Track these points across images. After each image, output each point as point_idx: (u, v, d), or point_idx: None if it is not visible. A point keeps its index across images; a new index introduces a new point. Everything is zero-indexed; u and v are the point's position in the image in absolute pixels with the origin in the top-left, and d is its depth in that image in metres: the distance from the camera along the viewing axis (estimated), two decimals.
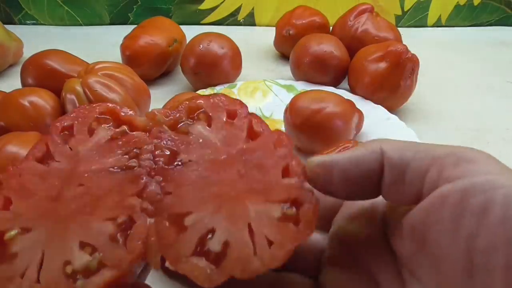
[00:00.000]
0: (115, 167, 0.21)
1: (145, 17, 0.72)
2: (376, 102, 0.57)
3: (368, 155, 0.20)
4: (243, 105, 0.24)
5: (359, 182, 0.20)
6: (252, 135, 0.23)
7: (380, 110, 0.56)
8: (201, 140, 0.22)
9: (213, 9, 0.86)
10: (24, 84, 0.55)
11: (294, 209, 0.20)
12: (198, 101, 0.24)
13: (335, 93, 0.54)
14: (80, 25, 0.85)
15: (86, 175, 0.21)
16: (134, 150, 0.22)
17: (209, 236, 0.20)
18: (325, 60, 0.61)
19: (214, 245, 0.19)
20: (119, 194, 0.20)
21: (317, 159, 0.21)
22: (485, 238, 0.16)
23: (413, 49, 0.57)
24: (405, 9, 0.88)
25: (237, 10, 0.87)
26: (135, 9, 0.85)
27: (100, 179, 0.21)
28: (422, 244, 0.18)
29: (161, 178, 0.21)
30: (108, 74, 0.49)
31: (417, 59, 0.57)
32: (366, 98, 0.58)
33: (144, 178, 0.21)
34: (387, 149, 0.19)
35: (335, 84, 0.63)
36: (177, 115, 0.23)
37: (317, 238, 0.25)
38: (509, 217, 0.15)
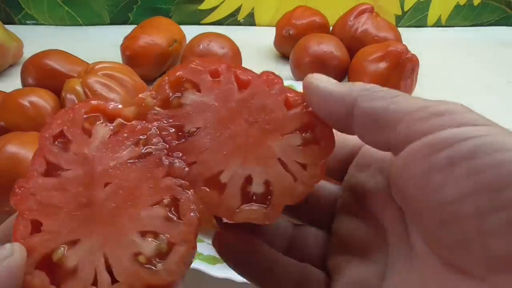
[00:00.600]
0: (133, 159, 0.22)
1: (145, 17, 0.72)
2: None
3: (340, 97, 0.20)
4: (221, 61, 0.24)
5: (333, 115, 0.21)
6: (242, 85, 0.23)
7: None
8: (198, 106, 0.23)
9: (213, 9, 0.86)
10: (24, 84, 0.55)
11: (309, 133, 0.22)
12: (178, 73, 0.23)
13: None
14: (80, 25, 0.85)
15: (108, 173, 0.21)
16: (141, 137, 0.22)
17: (250, 182, 0.21)
18: (325, 60, 0.61)
19: (257, 188, 0.21)
20: (151, 180, 0.21)
21: (306, 82, 0.22)
22: (453, 190, 0.16)
23: (413, 49, 0.57)
24: (405, 9, 0.88)
25: (237, 10, 0.87)
26: (135, 9, 0.85)
27: (125, 172, 0.21)
28: (403, 198, 0.19)
29: (180, 154, 0.22)
30: (108, 74, 0.49)
31: (417, 59, 0.57)
32: None
33: (164, 158, 0.22)
34: (361, 99, 0.20)
35: None
36: (164, 93, 0.23)
37: (331, 188, 0.25)
38: (475, 167, 0.16)
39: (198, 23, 0.87)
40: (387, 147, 0.19)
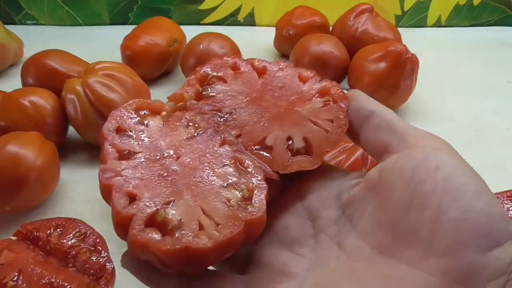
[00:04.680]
0: (190, 138, 0.26)
1: (145, 17, 0.72)
2: None
3: (367, 102, 0.26)
4: (236, 56, 0.29)
5: (359, 111, 0.26)
6: (259, 72, 0.29)
7: None
8: (228, 93, 0.27)
9: (213, 9, 0.86)
10: (24, 84, 0.55)
11: (327, 96, 0.27)
12: (203, 71, 0.28)
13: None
14: (80, 25, 0.85)
15: (175, 149, 0.25)
16: (190, 123, 0.26)
17: (290, 142, 0.26)
18: (325, 60, 0.61)
19: (298, 144, 0.26)
20: (212, 149, 0.25)
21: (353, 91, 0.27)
22: (428, 185, 0.20)
23: (413, 49, 0.57)
24: (405, 9, 0.88)
25: (237, 10, 0.87)
26: (135, 9, 0.85)
27: (189, 146, 0.25)
28: (376, 189, 0.23)
29: (227, 129, 0.26)
30: (108, 74, 0.49)
31: (417, 59, 0.57)
32: None
33: (215, 134, 0.26)
34: (381, 109, 0.25)
35: None
36: (194, 88, 0.28)
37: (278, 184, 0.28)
38: (453, 175, 0.20)
39: (198, 23, 0.87)
40: (385, 145, 0.24)
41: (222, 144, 0.26)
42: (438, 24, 0.91)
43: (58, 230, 0.37)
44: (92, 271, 0.34)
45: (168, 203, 0.22)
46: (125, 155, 0.24)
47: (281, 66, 0.29)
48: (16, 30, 0.72)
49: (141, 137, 0.25)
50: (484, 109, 0.63)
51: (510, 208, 0.42)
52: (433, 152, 0.22)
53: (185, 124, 0.26)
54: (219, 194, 0.23)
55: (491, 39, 0.86)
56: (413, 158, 0.22)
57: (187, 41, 0.65)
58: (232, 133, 0.26)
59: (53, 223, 0.37)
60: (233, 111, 0.27)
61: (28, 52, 0.66)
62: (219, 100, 0.27)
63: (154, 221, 0.22)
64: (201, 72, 0.28)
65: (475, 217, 0.19)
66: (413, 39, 0.76)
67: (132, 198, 0.22)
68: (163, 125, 0.26)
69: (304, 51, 0.62)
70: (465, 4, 0.89)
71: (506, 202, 0.43)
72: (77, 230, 0.37)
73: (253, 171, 0.24)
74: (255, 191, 0.23)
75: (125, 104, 0.26)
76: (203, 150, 0.25)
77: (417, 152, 0.22)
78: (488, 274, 0.18)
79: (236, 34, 0.68)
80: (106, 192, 0.23)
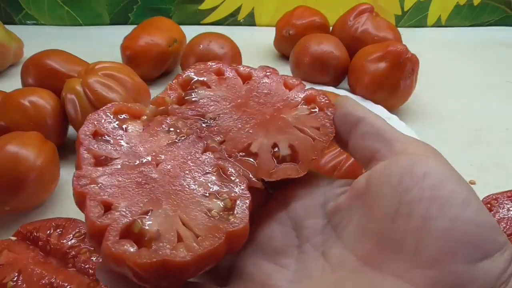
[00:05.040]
0: (171, 143, 0.24)
1: (145, 17, 0.72)
2: (376, 102, 0.57)
3: (355, 108, 0.25)
4: (221, 62, 0.28)
5: (347, 116, 0.26)
6: (244, 78, 0.28)
7: (380, 110, 0.56)
8: (212, 99, 0.26)
9: (213, 9, 0.86)
10: (24, 84, 0.55)
11: (313, 103, 0.26)
12: (186, 75, 0.28)
13: (335, 93, 0.54)
14: (80, 25, 0.85)
15: (155, 155, 0.24)
16: (171, 128, 0.25)
17: (276, 149, 0.25)
18: (325, 60, 0.61)
19: (284, 151, 0.25)
20: (194, 156, 0.24)
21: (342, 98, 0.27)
22: (415, 193, 0.20)
23: (413, 49, 0.57)
24: (405, 9, 0.88)
25: (237, 10, 0.87)
26: (135, 9, 0.85)
27: (170, 152, 0.24)
28: (362, 198, 0.22)
29: (210, 135, 0.25)
30: (108, 74, 0.49)
31: (417, 59, 0.57)
32: (366, 98, 0.58)
33: (198, 140, 0.25)
34: (370, 115, 0.24)
35: (335, 84, 0.63)
36: (177, 93, 0.27)
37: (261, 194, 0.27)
38: (441, 183, 0.20)
39: (198, 23, 0.87)
40: (373, 152, 0.23)
41: (204, 151, 0.25)
42: (438, 24, 0.91)
43: (58, 230, 0.37)
44: (92, 271, 0.34)
45: (146, 213, 0.21)
46: (101, 161, 0.23)
47: (266, 73, 0.28)
48: (16, 30, 0.72)
49: (119, 142, 0.24)
50: (484, 109, 0.63)
51: (510, 208, 0.42)
52: (421, 159, 0.21)
53: (166, 129, 0.25)
54: (200, 204, 0.22)
55: (491, 39, 0.86)
56: (400, 165, 0.21)
57: (187, 41, 0.65)
58: (216, 139, 0.25)
59: (53, 223, 0.37)
60: (217, 117, 0.26)
61: (28, 52, 0.66)
62: (202, 105, 0.26)
63: (130, 232, 0.20)
64: (184, 76, 0.27)
65: (463, 226, 0.18)
66: (413, 39, 0.76)
67: (108, 207, 0.21)
68: (143, 130, 0.25)
69: (304, 51, 0.62)
70: (465, 4, 0.89)
71: (506, 202, 0.43)
72: (77, 230, 0.37)
73: (237, 180, 0.24)
74: (238, 201, 0.23)
75: (103, 108, 0.25)
76: (184, 157, 0.24)
77: (404, 159, 0.21)
78: (477, 286, 0.18)
79: (236, 34, 0.68)
80: (81, 200, 0.21)
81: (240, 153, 0.25)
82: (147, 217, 0.21)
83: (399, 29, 0.68)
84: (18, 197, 0.41)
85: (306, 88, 0.27)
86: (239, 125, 0.26)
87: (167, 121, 0.25)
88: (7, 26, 0.70)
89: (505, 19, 0.91)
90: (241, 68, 0.28)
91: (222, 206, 0.22)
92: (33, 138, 0.43)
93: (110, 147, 0.24)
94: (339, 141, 0.26)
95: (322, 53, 0.61)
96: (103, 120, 0.25)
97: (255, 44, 0.79)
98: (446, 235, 0.18)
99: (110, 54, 0.65)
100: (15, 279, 0.33)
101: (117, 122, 0.25)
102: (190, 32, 0.67)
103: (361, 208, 0.22)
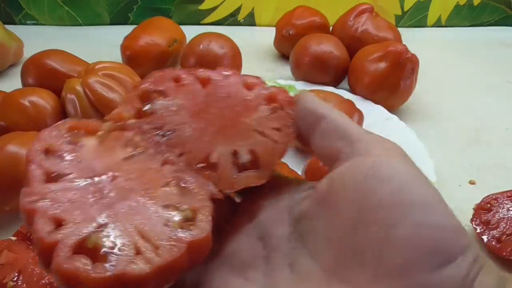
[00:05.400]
0: (127, 158, 0.23)
1: (145, 17, 0.72)
2: (376, 102, 0.57)
3: (316, 105, 0.24)
4: (176, 69, 0.27)
5: (306, 115, 0.24)
6: (204, 82, 0.26)
7: (380, 110, 0.56)
8: (170, 109, 0.25)
9: (213, 9, 0.86)
10: (24, 84, 0.55)
11: (273, 103, 0.25)
12: (143, 86, 0.26)
13: (335, 93, 0.55)
14: (80, 25, 0.85)
15: (110, 169, 0.23)
16: (128, 143, 0.24)
17: (237, 155, 0.24)
18: (325, 60, 0.61)
19: (244, 158, 0.24)
20: (151, 169, 0.23)
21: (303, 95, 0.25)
22: (377, 198, 0.19)
23: (413, 49, 0.57)
24: (405, 9, 0.88)
25: (237, 10, 0.87)
26: (135, 9, 0.85)
27: (126, 166, 0.23)
28: (325, 203, 0.21)
29: (168, 149, 0.24)
30: (108, 74, 0.49)
31: (417, 59, 0.57)
32: (366, 98, 0.58)
33: (156, 154, 0.24)
34: (331, 112, 0.23)
35: (335, 84, 0.63)
36: (135, 106, 0.25)
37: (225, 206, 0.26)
38: (404, 187, 0.19)
39: (198, 23, 0.87)
40: (336, 152, 0.22)
41: (163, 164, 0.23)
42: (438, 24, 0.91)
43: None
44: None
45: (101, 227, 0.20)
46: (53, 178, 0.22)
47: (225, 74, 0.27)
48: (16, 30, 0.72)
49: (72, 158, 0.23)
50: (484, 109, 0.63)
51: (510, 208, 0.42)
52: (383, 160, 0.20)
53: (123, 144, 0.24)
54: (159, 216, 0.21)
55: (491, 39, 0.86)
56: (361, 168, 0.20)
57: (187, 41, 0.65)
58: (175, 151, 0.24)
59: None
60: (176, 127, 0.25)
61: (28, 52, 0.66)
62: (160, 117, 0.25)
63: (84, 248, 0.19)
64: (141, 87, 0.26)
65: (426, 232, 0.18)
66: (413, 39, 0.76)
67: (59, 224, 0.20)
68: (98, 145, 0.24)
69: (304, 51, 0.62)
70: (465, 4, 0.89)
71: (506, 202, 0.43)
72: None
73: (197, 191, 0.23)
74: (199, 212, 0.22)
75: (57, 123, 0.24)
76: (142, 170, 0.23)
77: (366, 161, 0.20)
78: None
79: (236, 34, 0.68)
80: (29, 218, 0.20)
81: (200, 164, 0.24)
82: (102, 231, 0.20)
83: (399, 29, 0.68)
84: (18, 197, 0.41)
85: (268, 86, 0.26)
86: (198, 135, 0.24)
87: (125, 136, 0.24)
88: (7, 26, 0.70)
89: (505, 19, 0.91)
90: (200, 72, 0.27)
91: (182, 217, 0.21)
92: (33, 138, 0.42)
93: (62, 164, 0.22)
94: (302, 140, 0.24)
95: (322, 53, 0.61)
96: (55, 137, 0.24)
97: (255, 44, 0.79)
98: (408, 243, 0.18)
99: (110, 54, 0.65)
100: (15, 279, 0.33)
101: (70, 138, 0.24)
102: (190, 32, 0.67)
103: (324, 214, 0.21)
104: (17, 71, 0.59)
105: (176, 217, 0.21)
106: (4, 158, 0.40)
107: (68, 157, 0.23)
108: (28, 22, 0.84)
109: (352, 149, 0.21)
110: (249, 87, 0.26)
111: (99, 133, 0.24)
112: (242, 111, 0.25)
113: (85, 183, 0.22)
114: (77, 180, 0.22)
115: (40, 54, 0.55)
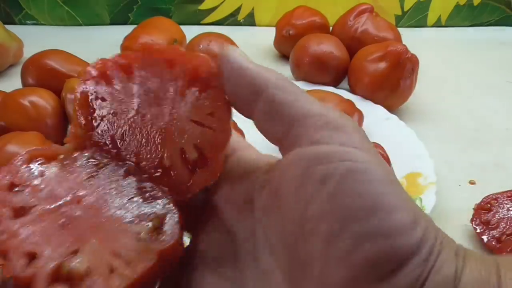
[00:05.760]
0: (90, 178, 0.23)
1: (145, 17, 0.72)
2: (376, 102, 0.57)
3: (254, 75, 0.20)
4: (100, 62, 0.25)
5: (241, 91, 0.20)
6: (127, 73, 0.24)
7: (380, 110, 0.56)
8: (112, 113, 0.24)
9: (213, 9, 0.86)
10: (24, 84, 0.55)
11: (197, 82, 0.22)
12: (80, 93, 0.24)
13: (335, 93, 0.55)
14: (80, 25, 0.85)
15: (75, 192, 0.23)
16: (89, 161, 0.24)
17: (185, 154, 0.22)
18: (325, 60, 0.61)
19: (192, 154, 0.22)
20: (114, 184, 0.23)
21: (223, 53, 0.21)
22: (315, 206, 0.17)
23: (413, 49, 0.57)
24: (405, 9, 0.88)
25: (237, 10, 0.87)
26: (135, 9, 0.85)
27: (90, 186, 0.23)
28: (276, 200, 0.19)
29: (125, 157, 0.24)
30: None
31: (417, 59, 0.57)
32: (366, 98, 0.58)
33: (117, 168, 0.24)
34: (273, 86, 0.19)
35: (335, 84, 0.63)
36: (83, 120, 0.24)
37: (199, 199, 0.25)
38: (341, 191, 0.16)
39: (198, 23, 0.87)
40: (278, 142, 0.19)
41: (126, 176, 0.23)
42: (438, 24, 0.91)
43: None
44: None
45: (73, 252, 0.20)
46: (19, 212, 0.22)
47: (146, 55, 0.23)
48: (16, 30, 0.72)
49: (35, 188, 0.23)
50: (484, 109, 0.63)
51: (510, 208, 0.42)
52: (320, 153, 0.17)
53: (84, 163, 0.24)
54: (128, 230, 0.21)
55: (491, 39, 0.86)
56: (298, 166, 0.17)
57: (187, 41, 0.65)
58: (132, 161, 0.23)
59: None
60: (124, 134, 0.24)
61: (28, 52, 0.66)
62: (108, 126, 0.24)
63: (60, 276, 0.20)
64: (79, 96, 0.24)
65: (368, 243, 0.16)
66: (413, 39, 0.76)
67: (32, 257, 0.20)
68: (60, 170, 0.24)
69: (304, 51, 0.62)
70: (465, 4, 0.89)
71: (506, 202, 0.43)
72: None
73: (161, 198, 0.22)
74: (166, 218, 0.22)
75: (16, 157, 0.24)
76: (105, 187, 0.23)
77: (306, 154, 0.17)
78: None
79: (236, 34, 0.68)
80: (2, 257, 0.20)
81: (157, 171, 0.23)
82: (75, 256, 0.20)
83: (399, 29, 0.68)
84: None
85: (189, 55, 0.22)
86: (145, 139, 0.23)
87: (85, 154, 0.24)
88: (7, 26, 0.70)
89: (505, 19, 0.91)
90: (121, 61, 0.24)
91: (150, 227, 0.21)
92: (33, 138, 0.43)
93: (26, 196, 0.23)
94: (246, 116, 0.21)
95: (322, 53, 0.61)
96: (16, 171, 0.24)
97: (255, 44, 0.79)
98: (350, 256, 0.16)
99: (110, 54, 0.65)
100: None
101: (32, 169, 0.24)
102: (190, 32, 0.67)
103: (276, 213, 0.19)
104: (17, 71, 0.59)
105: (145, 228, 0.21)
106: (4, 158, 0.40)
107: (31, 188, 0.23)
108: (28, 22, 0.84)
109: (289, 137, 0.18)
110: (171, 65, 0.23)
111: (60, 156, 0.24)
112: (172, 101, 0.23)
113: (52, 211, 0.22)
114: (43, 210, 0.22)
115: (40, 54, 0.55)
